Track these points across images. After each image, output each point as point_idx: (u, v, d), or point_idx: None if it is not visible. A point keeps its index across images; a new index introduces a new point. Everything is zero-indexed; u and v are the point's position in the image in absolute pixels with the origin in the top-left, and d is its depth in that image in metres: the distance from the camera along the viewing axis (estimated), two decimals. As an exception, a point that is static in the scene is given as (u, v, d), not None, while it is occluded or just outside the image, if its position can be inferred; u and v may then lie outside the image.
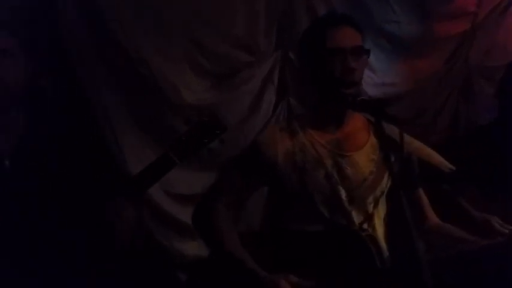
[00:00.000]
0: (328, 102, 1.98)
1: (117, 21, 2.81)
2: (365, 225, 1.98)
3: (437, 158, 2.08)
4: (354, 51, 1.91)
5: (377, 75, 3.57)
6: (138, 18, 2.88)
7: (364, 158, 2.01)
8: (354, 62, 1.90)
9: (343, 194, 1.96)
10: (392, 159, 1.99)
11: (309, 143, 1.98)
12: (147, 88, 2.89)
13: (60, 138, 2.48)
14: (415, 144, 2.08)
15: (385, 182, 2.03)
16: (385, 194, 2.04)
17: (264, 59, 3.24)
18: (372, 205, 2.00)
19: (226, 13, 3.09)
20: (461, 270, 1.86)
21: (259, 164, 1.97)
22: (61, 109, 2.59)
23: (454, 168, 2.01)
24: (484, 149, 2.58)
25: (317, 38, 1.94)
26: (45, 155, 1.98)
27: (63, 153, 2.37)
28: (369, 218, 1.98)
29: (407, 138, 2.08)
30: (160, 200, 2.91)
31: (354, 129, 2.04)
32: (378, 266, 1.88)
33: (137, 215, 1.98)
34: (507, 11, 3.88)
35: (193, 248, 2.86)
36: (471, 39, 3.85)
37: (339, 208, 1.96)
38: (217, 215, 1.96)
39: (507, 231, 2.40)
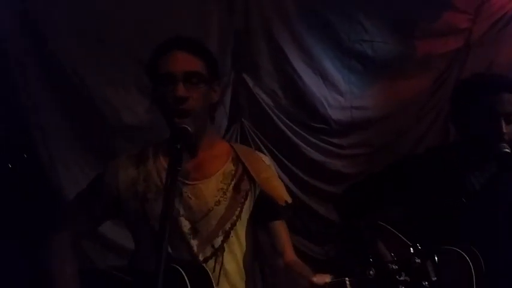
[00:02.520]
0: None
1: (58, 42, 2.94)
2: (211, 261, 1.84)
3: (280, 191, 1.89)
4: (186, 78, 1.78)
5: (345, 98, 3.36)
6: (80, 39, 2.97)
7: (212, 187, 1.87)
8: (185, 90, 1.77)
9: (186, 226, 1.83)
10: (245, 188, 1.90)
11: (155, 170, 1.89)
12: (86, 110, 2.97)
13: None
14: (264, 174, 1.90)
15: (236, 214, 1.87)
16: (238, 225, 1.87)
17: (215, 81, 3.19)
18: (219, 238, 1.85)
19: (173, 33, 3.08)
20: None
21: (102, 194, 1.91)
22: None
23: (290, 202, 1.84)
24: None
25: (153, 64, 1.85)
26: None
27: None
28: (216, 252, 1.84)
29: (260, 166, 1.94)
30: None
31: (210, 156, 1.92)
32: None
33: None
34: (509, 25, 3.46)
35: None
36: (464, 58, 3.49)
37: (181, 242, 1.83)
38: (59, 244, 1.92)
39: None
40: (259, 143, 3.23)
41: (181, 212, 1.85)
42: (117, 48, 3.02)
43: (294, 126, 3.28)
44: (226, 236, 1.85)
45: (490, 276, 2.07)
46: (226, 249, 1.85)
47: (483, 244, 2.11)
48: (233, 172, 1.92)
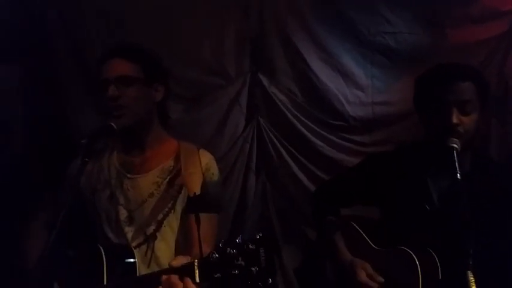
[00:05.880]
0: None
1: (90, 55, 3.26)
2: (143, 247, 2.06)
3: (193, 183, 1.99)
4: (118, 80, 2.04)
5: (366, 94, 3.23)
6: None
7: (149, 180, 2.11)
8: (116, 90, 2.02)
9: (123, 214, 2.09)
10: (179, 183, 2.07)
11: (106, 164, 2.18)
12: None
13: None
14: (190, 170, 2.05)
15: (169, 206, 2.07)
16: (172, 216, 2.06)
17: (232, 82, 3.29)
18: (152, 227, 2.07)
19: (192, 38, 3.23)
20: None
21: (67, 186, 2.22)
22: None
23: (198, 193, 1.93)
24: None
25: (97, 73, 2.12)
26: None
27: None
28: (148, 239, 2.06)
29: (192, 162, 2.08)
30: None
31: (157, 153, 2.15)
32: None
33: None
34: None
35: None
36: (508, 45, 3.11)
37: (118, 228, 2.10)
38: (29, 232, 2.24)
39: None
40: (276, 141, 3.27)
41: (121, 201, 2.11)
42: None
43: (311, 124, 3.24)
44: (159, 226, 2.06)
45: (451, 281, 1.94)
46: (158, 237, 2.06)
47: (445, 249, 1.99)
48: (171, 168, 2.11)
